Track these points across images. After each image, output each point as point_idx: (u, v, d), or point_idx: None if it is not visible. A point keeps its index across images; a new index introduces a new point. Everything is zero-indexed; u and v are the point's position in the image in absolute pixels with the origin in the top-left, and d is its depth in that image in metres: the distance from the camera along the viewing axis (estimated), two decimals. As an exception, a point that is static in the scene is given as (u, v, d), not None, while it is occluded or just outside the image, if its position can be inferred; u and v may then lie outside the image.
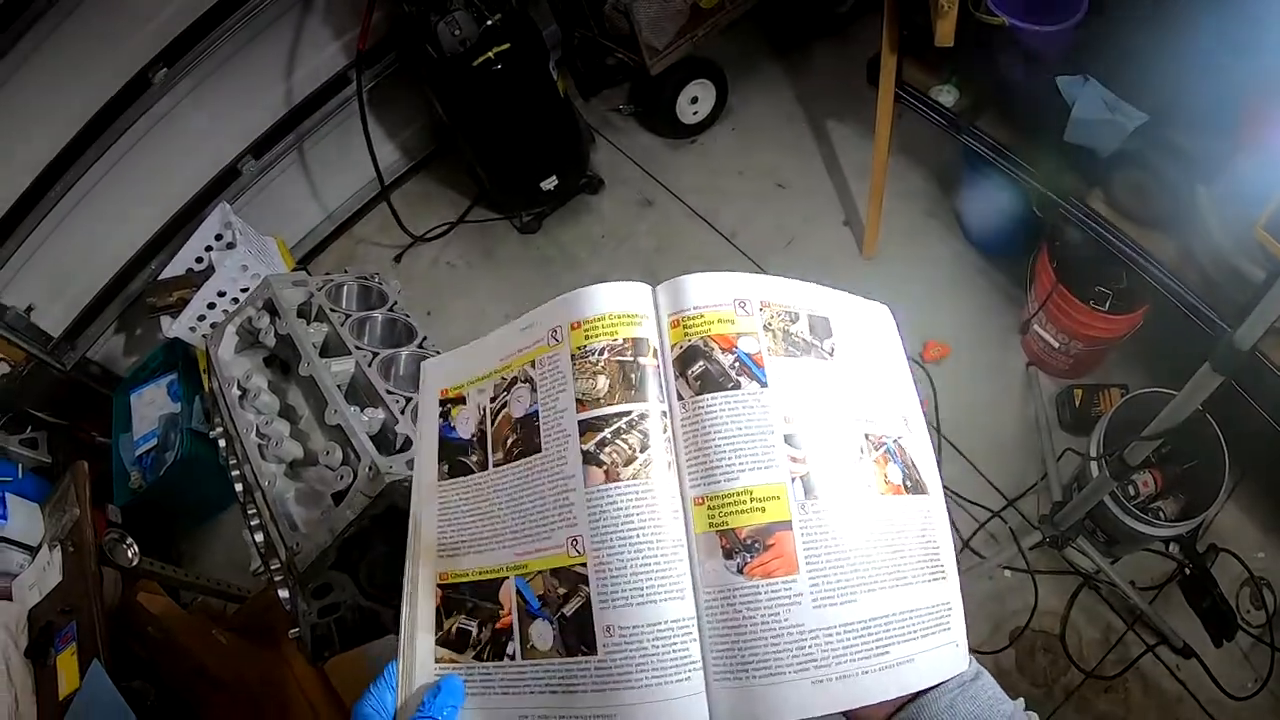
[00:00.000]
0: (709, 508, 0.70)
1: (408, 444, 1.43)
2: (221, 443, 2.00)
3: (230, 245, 3.47)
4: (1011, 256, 3.06)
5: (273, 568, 1.70)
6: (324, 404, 1.62)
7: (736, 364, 0.74)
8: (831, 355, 0.78)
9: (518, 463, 0.78)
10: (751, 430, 0.71)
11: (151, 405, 3.73)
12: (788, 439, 0.71)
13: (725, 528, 0.68)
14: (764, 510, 0.69)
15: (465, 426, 0.85)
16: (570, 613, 0.71)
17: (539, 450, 0.76)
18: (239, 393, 1.81)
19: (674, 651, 0.67)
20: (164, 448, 3.55)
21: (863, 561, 0.69)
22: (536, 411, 0.78)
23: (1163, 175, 2.16)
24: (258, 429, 1.69)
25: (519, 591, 0.75)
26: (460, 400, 0.86)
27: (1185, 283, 2.19)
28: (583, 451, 0.73)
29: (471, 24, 3.10)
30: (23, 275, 3.86)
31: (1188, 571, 2.41)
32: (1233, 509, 2.62)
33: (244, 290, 3.29)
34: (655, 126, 3.97)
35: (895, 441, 0.77)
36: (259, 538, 1.81)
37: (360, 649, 1.66)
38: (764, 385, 0.73)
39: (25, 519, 2.83)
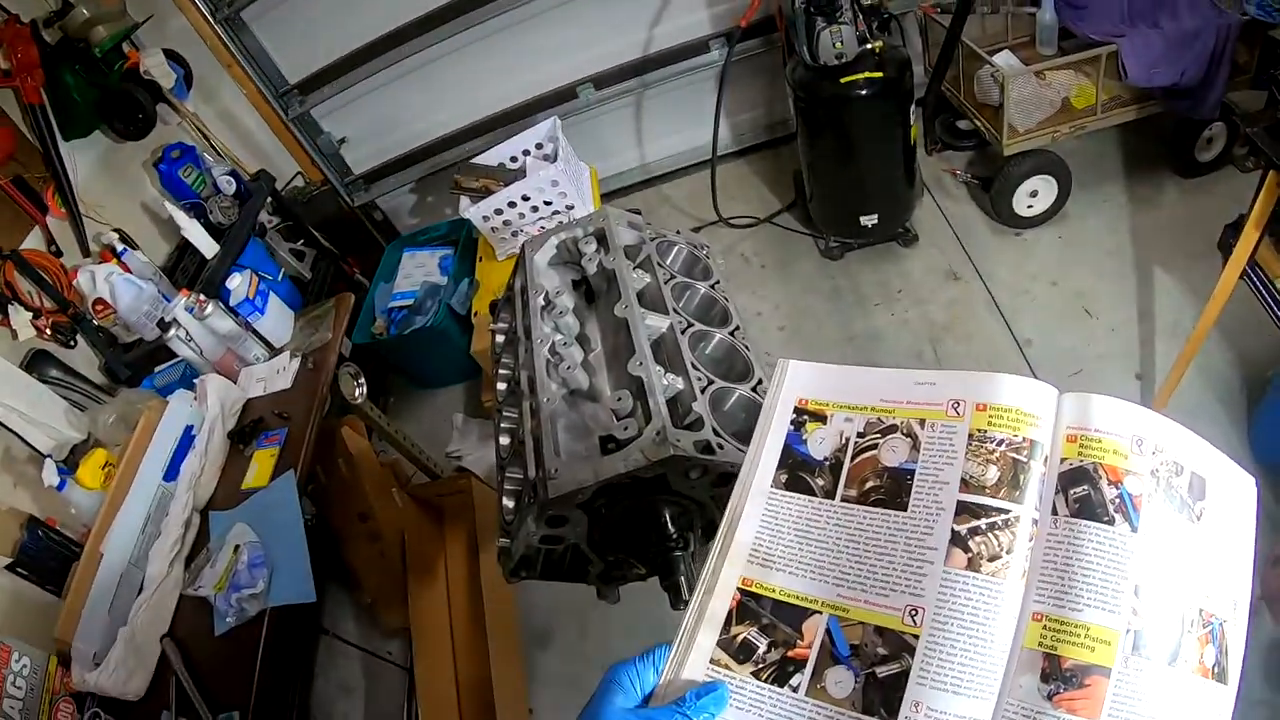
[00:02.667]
0: (1045, 627, 0.69)
1: (697, 423, 1.38)
2: (500, 338, 2.03)
3: (547, 157, 3.55)
4: None
5: (508, 473, 1.69)
6: (623, 348, 1.60)
7: (1117, 499, 0.71)
8: (1199, 519, 0.74)
9: (873, 510, 0.77)
10: (1110, 570, 0.69)
11: (420, 269, 3.92)
12: (1136, 589, 0.69)
13: (1054, 652, 0.67)
14: (1093, 650, 0.67)
15: (820, 447, 0.83)
16: (883, 675, 0.70)
17: (903, 509, 0.76)
18: (543, 302, 1.81)
19: None
20: (417, 311, 3.72)
21: None
22: (912, 471, 0.77)
23: None
24: (554, 345, 1.68)
25: (829, 631, 0.74)
26: (820, 418, 0.85)
27: None
28: (953, 531, 0.73)
29: (854, 42, 3.05)
30: (350, 109, 4.19)
31: None
32: None
33: (546, 203, 3.38)
34: (985, 204, 3.79)
35: (1221, 624, 0.72)
36: (504, 440, 1.81)
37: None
38: (1134, 529, 0.70)
39: (278, 320, 3.02)
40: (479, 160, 3.68)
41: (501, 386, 1.87)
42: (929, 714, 0.67)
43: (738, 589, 0.78)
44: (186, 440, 2.55)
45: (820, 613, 0.75)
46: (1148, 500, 0.71)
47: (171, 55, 3.57)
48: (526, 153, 3.65)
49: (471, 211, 3.45)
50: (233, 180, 3.61)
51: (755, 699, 0.73)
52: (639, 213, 2.06)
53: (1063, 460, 0.74)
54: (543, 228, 3.44)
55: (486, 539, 2.92)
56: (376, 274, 4.04)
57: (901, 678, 0.69)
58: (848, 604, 0.74)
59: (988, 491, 0.73)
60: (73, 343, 2.94)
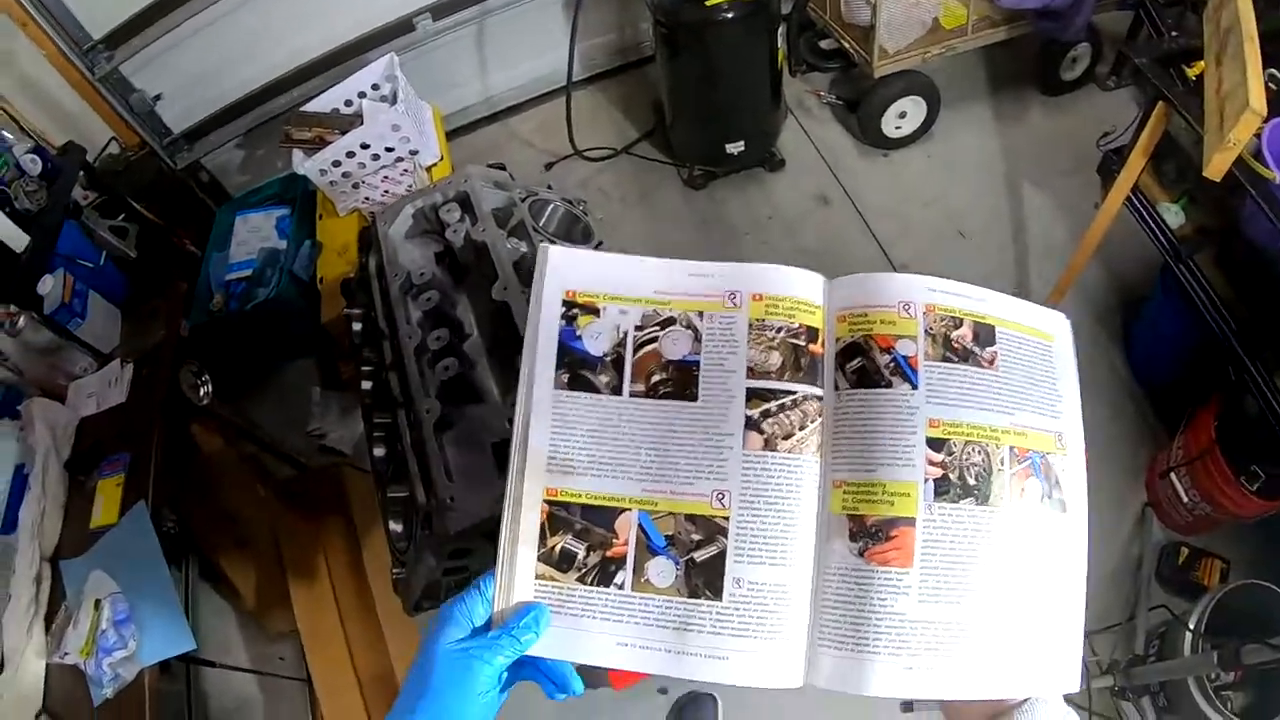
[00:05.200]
0: (845, 492, 0.75)
1: None
2: (357, 325, 1.80)
3: (385, 99, 3.26)
4: (1168, 396, 2.87)
5: (393, 493, 1.50)
6: (505, 336, 1.41)
7: (891, 364, 0.77)
8: (991, 364, 0.79)
9: (664, 402, 0.80)
10: (896, 428, 0.75)
11: (255, 233, 3.56)
12: (930, 441, 0.75)
13: (856, 513, 0.74)
14: (893, 504, 0.73)
15: (595, 342, 0.82)
16: (701, 559, 0.75)
17: (694, 400, 0.79)
18: (407, 285, 1.59)
19: (789, 612, 0.73)
20: (258, 281, 3.38)
21: (975, 568, 0.73)
22: (697, 362, 0.80)
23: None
24: (425, 341, 1.48)
25: (641, 526, 0.76)
26: (592, 310, 0.84)
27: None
28: (746, 416, 0.77)
29: None
30: (161, 62, 3.71)
31: (1232, 764, 2.34)
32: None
33: (388, 149, 3.11)
34: (852, 126, 3.75)
35: (1043, 457, 0.78)
36: (379, 452, 1.61)
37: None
38: (914, 387, 0.77)
39: (103, 322, 2.66)
40: (310, 108, 3.33)
41: (367, 385, 1.65)
42: (750, 587, 0.73)
43: (544, 501, 0.78)
44: (19, 482, 2.22)
45: (630, 510, 0.77)
46: (925, 358, 0.77)
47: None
48: (362, 95, 3.32)
49: (306, 166, 3.12)
50: (38, 159, 3.15)
51: (586, 603, 0.75)
52: (503, 167, 1.84)
53: (838, 339, 0.80)
54: (386, 177, 3.17)
55: (366, 528, 2.73)
56: (209, 243, 3.64)
57: (719, 559, 0.74)
58: (655, 497, 0.77)
59: (773, 376, 0.78)
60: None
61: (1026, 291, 3.15)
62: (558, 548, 0.77)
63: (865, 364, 0.78)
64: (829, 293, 0.83)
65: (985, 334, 0.79)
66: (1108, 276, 3.10)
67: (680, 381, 0.80)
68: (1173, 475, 2.62)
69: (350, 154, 3.11)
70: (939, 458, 0.74)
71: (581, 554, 0.76)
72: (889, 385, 0.77)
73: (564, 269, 0.86)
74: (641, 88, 4.09)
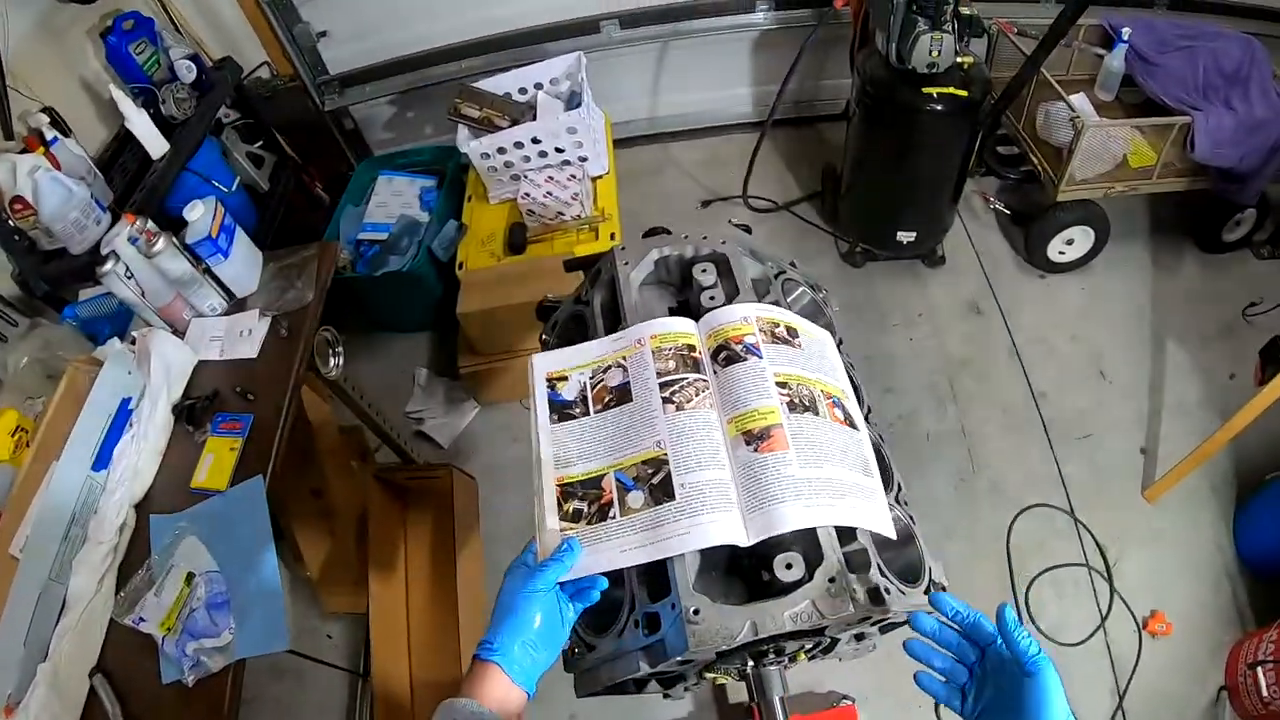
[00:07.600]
0: (735, 422, 1.16)
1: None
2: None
3: (559, 96, 3.15)
4: (1269, 585, 2.83)
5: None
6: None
7: (744, 349, 1.24)
8: (801, 347, 1.29)
9: (613, 409, 1.23)
10: (756, 380, 1.20)
11: (397, 197, 3.46)
12: (778, 384, 1.20)
13: (745, 429, 1.15)
14: (765, 419, 1.15)
15: (570, 393, 1.28)
16: (657, 481, 1.12)
17: (631, 400, 1.22)
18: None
19: (722, 496, 1.10)
20: (392, 248, 3.27)
21: (824, 449, 1.15)
22: (628, 383, 1.24)
23: None
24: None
25: (617, 479, 1.15)
26: (564, 378, 1.30)
27: None
28: (663, 398, 1.20)
29: (950, 54, 2.80)
30: (335, 1, 3.60)
31: None
32: None
33: (558, 150, 3.04)
34: (1014, 238, 3.71)
35: (838, 398, 1.25)
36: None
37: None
38: (760, 358, 1.23)
39: (244, 265, 2.28)
40: (483, 86, 3.23)
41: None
42: (693, 487, 1.10)
43: (556, 485, 1.17)
44: (122, 416, 1.96)
45: (607, 473, 1.16)
46: (764, 342, 1.25)
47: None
48: (539, 86, 3.23)
49: (471, 146, 3.05)
50: (193, 66, 3.01)
51: (594, 535, 1.11)
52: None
53: (709, 347, 1.27)
54: (551, 178, 3.06)
55: (465, 538, 2.66)
56: (345, 195, 3.53)
57: (667, 478, 1.11)
58: (621, 459, 1.16)
59: (674, 372, 1.22)
60: (-19, 245, 2.35)
61: (1154, 446, 3.13)
62: (570, 509, 1.14)
63: (729, 353, 1.23)
64: (699, 327, 1.30)
65: (792, 331, 1.31)
66: (1233, 450, 3.02)
67: (620, 395, 1.24)
68: (1259, 669, 2.55)
69: (519, 145, 3.05)
70: (785, 393, 1.19)
71: (586, 509, 1.13)
72: (745, 360, 1.22)
73: (543, 364, 1.33)
74: (809, 146, 4.00)
